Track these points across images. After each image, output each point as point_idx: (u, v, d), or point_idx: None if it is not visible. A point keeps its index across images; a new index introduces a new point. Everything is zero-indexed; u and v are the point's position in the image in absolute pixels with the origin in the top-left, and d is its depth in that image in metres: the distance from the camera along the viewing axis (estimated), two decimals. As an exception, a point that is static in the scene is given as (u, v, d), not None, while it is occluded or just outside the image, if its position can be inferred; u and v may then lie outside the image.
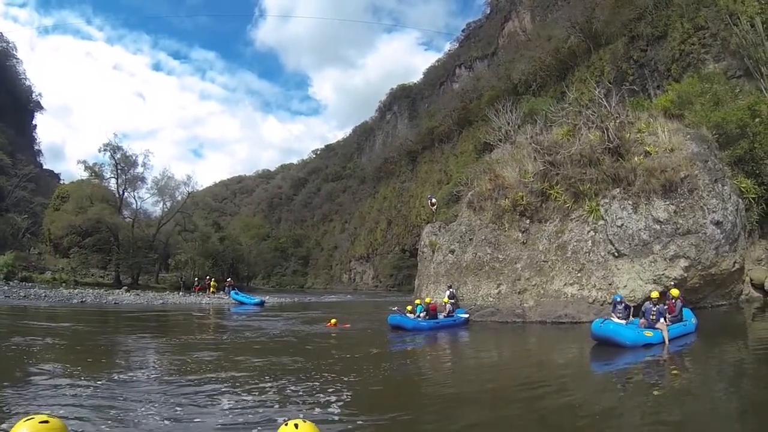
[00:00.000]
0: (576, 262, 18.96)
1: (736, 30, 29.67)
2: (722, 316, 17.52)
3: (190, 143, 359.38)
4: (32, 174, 73.82)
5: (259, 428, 6.37)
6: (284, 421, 2.72)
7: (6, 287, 34.17)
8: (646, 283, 17.34)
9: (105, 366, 10.40)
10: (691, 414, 7.10)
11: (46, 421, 2.45)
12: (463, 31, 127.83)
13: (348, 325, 19.80)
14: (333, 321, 19.48)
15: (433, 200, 35.37)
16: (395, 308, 20.27)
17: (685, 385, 9.20)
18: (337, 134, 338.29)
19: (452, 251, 23.13)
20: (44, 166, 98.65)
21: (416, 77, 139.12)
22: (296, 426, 2.56)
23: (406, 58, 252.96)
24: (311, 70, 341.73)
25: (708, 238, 17.50)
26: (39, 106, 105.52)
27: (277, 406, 7.55)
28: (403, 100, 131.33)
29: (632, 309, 14.41)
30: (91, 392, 8.09)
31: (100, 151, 56.20)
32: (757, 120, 22.10)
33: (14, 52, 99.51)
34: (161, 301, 34.30)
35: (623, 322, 12.89)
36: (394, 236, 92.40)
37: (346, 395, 8.30)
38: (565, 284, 18.95)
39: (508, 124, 28.13)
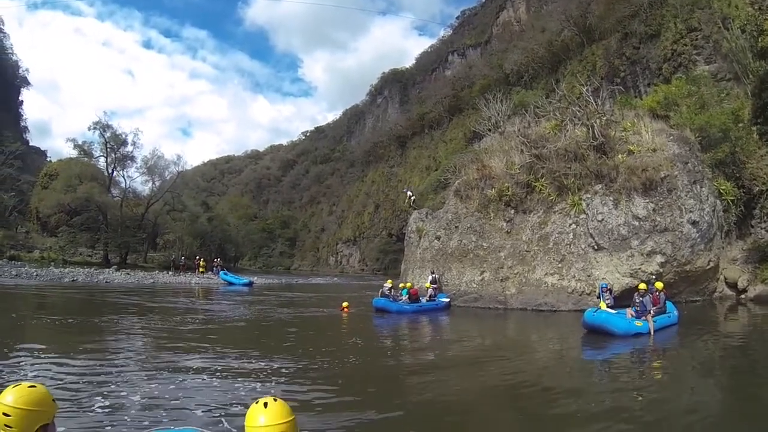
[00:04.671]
0: (557, 253, 19.61)
1: (727, 34, 30.14)
2: (697, 312, 18.02)
3: (179, 122, 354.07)
4: (19, 151, 71.46)
5: (230, 407, 6.66)
6: (255, 399, 2.64)
7: (-4, 266, 34.02)
8: (623, 276, 18.09)
9: (96, 345, 10.79)
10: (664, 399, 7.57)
11: (34, 386, 2.54)
12: (457, 18, 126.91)
13: (345, 306, 19.86)
14: (345, 304, 19.68)
15: (410, 192, 35.80)
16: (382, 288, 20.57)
17: (664, 372, 9.72)
18: (327, 116, 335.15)
19: (438, 238, 23.68)
20: (30, 143, 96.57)
21: (409, 62, 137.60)
22: (266, 405, 2.51)
23: (399, 42, 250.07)
24: (301, 51, 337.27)
25: (684, 236, 18.33)
26: (26, 82, 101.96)
27: (253, 385, 7.81)
28: (395, 84, 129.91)
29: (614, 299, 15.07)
30: (77, 368, 8.54)
31: (89, 129, 55.58)
32: (740, 125, 22.70)
33: (1, 26, 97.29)
34: (152, 281, 34.49)
35: (613, 311, 13.36)
36: (381, 220, 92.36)
37: (325, 375, 8.73)
38: (546, 274, 19.60)
39: (498, 114, 28.57)
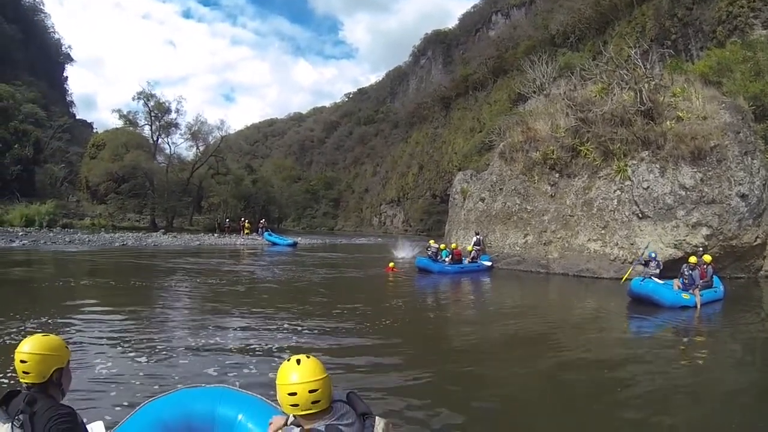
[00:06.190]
0: (601, 219, 19.60)
1: (786, -4, 28.79)
2: (742, 289, 17.28)
3: (221, 88, 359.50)
4: (66, 125, 74.13)
5: (263, 363, 6.84)
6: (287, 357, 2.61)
7: (51, 234, 35.21)
8: (667, 247, 17.91)
9: (129, 305, 11.07)
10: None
11: (47, 335, 2.75)
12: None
13: (391, 266, 20.44)
14: (391, 264, 20.24)
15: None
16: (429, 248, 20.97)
17: (706, 352, 9.28)
18: (369, 78, 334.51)
19: (482, 199, 23.97)
20: (77, 116, 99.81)
21: (452, 22, 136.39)
22: (298, 362, 2.47)
23: (441, 2, 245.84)
24: (342, 13, 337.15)
25: (732, 209, 17.73)
26: (69, 59, 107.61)
27: (288, 343, 8.01)
28: (438, 45, 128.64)
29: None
30: (117, 324, 9.05)
31: (133, 99, 57.75)
32: (798, 95, 21.70)
33: (42, 7, 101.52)
34: (198, 243, 35.43)
35: (660, 281, 13.33)
36: (426, 181, 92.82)
37: (362, 333, 8.97)
38: (588, 240, 19.69)
39: (543, 76, 28.35)
